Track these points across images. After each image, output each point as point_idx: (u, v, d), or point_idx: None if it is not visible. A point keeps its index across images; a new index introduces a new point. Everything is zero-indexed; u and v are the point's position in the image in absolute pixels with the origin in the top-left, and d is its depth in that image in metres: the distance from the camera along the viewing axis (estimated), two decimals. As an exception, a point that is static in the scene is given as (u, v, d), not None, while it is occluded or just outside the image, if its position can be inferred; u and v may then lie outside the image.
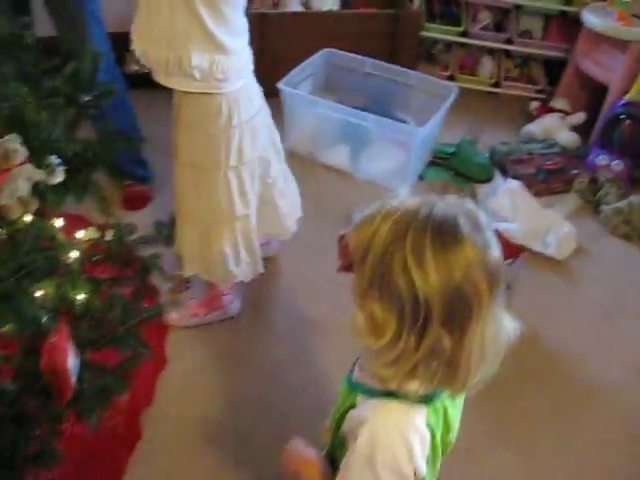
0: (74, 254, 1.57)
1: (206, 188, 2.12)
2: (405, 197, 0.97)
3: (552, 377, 2.38)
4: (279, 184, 2.41)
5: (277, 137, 2.34)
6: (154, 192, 2.94)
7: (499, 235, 2.36)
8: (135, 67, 3.28)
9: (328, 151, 3.24)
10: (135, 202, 2.87)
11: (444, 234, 0.89)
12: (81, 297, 1.58)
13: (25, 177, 1.40)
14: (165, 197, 2.72)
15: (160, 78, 1.96)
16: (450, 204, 0.94)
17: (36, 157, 1.43)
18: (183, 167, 2.12)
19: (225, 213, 2.16)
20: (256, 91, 2.13)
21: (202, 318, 2.44)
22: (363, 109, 3.12)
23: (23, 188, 1.40)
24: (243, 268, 2.31)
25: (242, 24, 1.96)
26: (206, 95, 1.95)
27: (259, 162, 2.20)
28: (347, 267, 1.01)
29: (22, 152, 1.39)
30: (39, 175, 1.43)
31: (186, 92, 1.96)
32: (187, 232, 2.22)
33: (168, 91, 2.02)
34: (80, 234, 1.64)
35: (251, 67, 2.07)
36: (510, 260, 2.44)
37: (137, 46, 1.92)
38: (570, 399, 2.31)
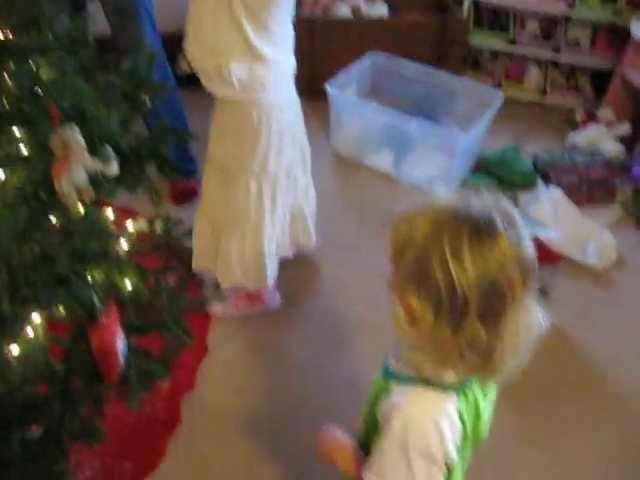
0: (124, 243, 1.64)
1: (226, 191, 2.18)
2: (442, 194, 1.01)
3: (588, 386, 2.38)
4: (309, 197, 2.49)
5: (308, 151, 2.39)
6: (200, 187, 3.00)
7: (538, 241, 2.38)
8: (185, 68, 3.37)
9: (372, 154, 3.28)
10: (182, 197, 2.95)
11: (480, 230, 0.93)
12: (129, 284, 1.65)
13: (83, 166, 1.47)
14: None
15: (203, 82, 2.02)
16: (485, 201, 0.98)
17: (93, 148, 1.51)
18: (211, 166, 2.20)
19: (239, 219, 2.22)
20: (291, 103, 2.15)
21: (244, 310, 2.50)
22: (408, 113, 3.15)
23: (81, 177, 1.47)
24: (248, 275, 2.35)
25: (285, 35, 2.01)
26: (240, 102, 2.00)
27: (286, 177, 2.24)
28: None
29: (80, 141, 1.46)
30: (96, 165, 1.50)
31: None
32: (202, 227, 2.31)
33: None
34: (130, 225, 1.71)
35: (291, 78, 2.10)
36: (548, 267, 2.45)
37: (188, 50, 1.98)
38: (605, 408, 2.31)
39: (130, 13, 2.59)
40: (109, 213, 1.62)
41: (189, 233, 2.13)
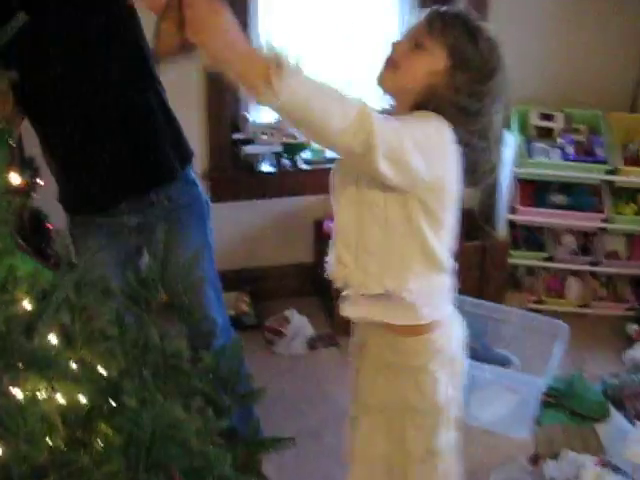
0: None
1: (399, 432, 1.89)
2: None
3: None
4: None
5: None
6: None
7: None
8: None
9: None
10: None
11: None
12: None
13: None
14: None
15: (355, 311, 1.77)
16: None
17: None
18: (374, 413, 1.91)
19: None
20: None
21: None
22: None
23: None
24: None
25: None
26: (417, 326, 1.74)
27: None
28: None
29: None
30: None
31: (387, 326, 1.76)
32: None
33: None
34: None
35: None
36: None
37: (350, 282, 1.70)
38: None
39: (193, 283, 2.43)
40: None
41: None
